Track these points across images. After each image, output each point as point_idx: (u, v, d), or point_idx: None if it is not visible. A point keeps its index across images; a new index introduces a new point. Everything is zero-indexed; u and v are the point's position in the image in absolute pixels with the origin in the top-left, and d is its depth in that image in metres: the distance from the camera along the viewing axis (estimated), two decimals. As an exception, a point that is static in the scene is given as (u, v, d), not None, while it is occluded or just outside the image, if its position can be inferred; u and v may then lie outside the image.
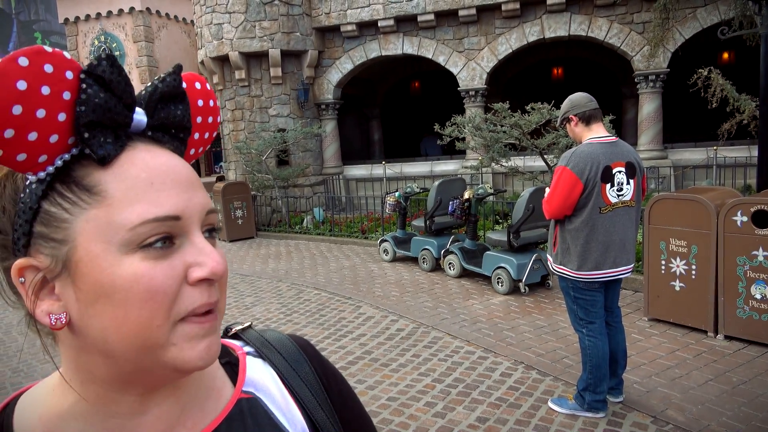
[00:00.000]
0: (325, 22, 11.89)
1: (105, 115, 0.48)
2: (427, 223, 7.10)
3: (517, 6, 10.60)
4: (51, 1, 23.34)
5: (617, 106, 13.29)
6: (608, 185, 3.09)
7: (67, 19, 17.82)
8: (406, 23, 11.56)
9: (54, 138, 0.47)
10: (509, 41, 11.09)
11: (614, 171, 3.10)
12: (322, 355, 0.72)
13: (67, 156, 0.48)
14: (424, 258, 7.19)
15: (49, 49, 0.47)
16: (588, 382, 3.29)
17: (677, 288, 4.60)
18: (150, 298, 0.47)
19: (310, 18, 11.92)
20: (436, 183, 7.22)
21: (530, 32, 10.91)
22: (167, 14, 17.89)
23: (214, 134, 0.63)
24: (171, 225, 0.49)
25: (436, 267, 7.13)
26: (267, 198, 11.58)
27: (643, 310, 4.95)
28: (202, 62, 12.22)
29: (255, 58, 11.70)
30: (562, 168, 3.11)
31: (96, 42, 17.49)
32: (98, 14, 17.33)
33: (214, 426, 0.58)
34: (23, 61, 0.45)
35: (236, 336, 0.69)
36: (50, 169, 0.48)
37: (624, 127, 13.86)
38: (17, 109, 0.44)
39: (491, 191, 6.62)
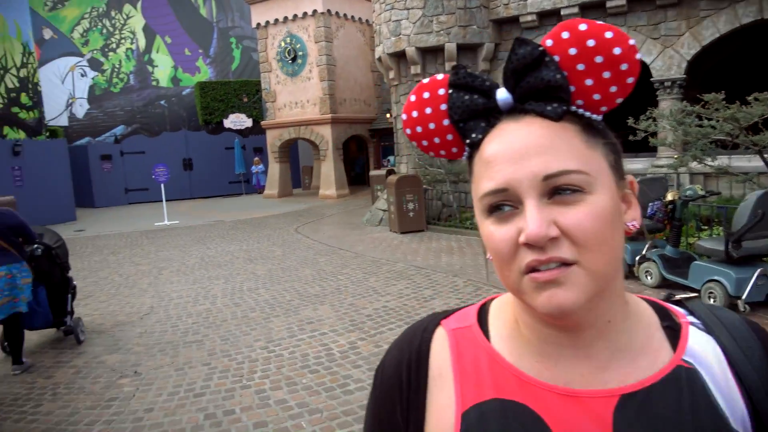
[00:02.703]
0: (503, 13, 11.55)
1: (468, 110, 0.62)
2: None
3: (730, -17, 9.29)
4: (245, 9, 25.92)
5: None
6: None
7: (258, 24, 19.62)
8: (592, 10, 10.76)
9: (449, 137, 0.65)
10: (716, 24, 9.78)
11: None
12: None
13: (466, 149, 0.64)
14: (613, 263, 6.59)
15: (426, 80, 0.66)
16: None
17: None
18: (496, 254, 0.59)
19: (487, 10, 11.66)
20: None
21: (744, 13, 9.50)
22: (345, 15, 18.85)
23: (623, 66, 0.58)
24: (504, 195, 0.57)
25: (629, 274, 6.51)
26: (438, 192, 11.61)
27: None
28: (379, 59, 12.62)
29: (431, 53, 11.77)
30: None
31: (282, 43, 19.02)
32: (285, 18, 18.81)
33: (648, 383, 0.61)
34: (412, 98, 0.67)
35: (680, 304, 0.69)
36: (464, 156, 0.66)
37: None
38: (419, 129, 0.66)
39: (702, 193, 5.84)
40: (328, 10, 18.14)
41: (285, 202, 18.63)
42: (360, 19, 19.53)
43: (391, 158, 19.98)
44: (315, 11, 18.06)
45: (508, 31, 11.93)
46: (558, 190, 0.56)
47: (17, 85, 17.34)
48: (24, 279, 4.68)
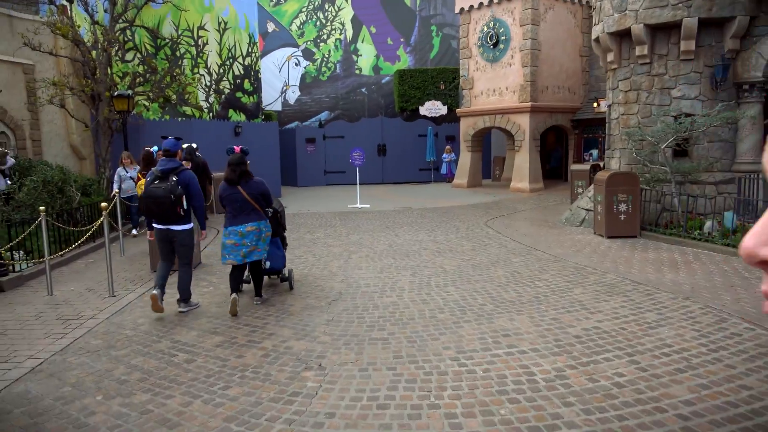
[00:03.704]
0: (765, -22, 9.32)
1: None
2: None
3: None
4: (448, -5, 25.65)
5: None
6: None
7: (462, 9, 19.06)
8: None
9: None
10: None
11: None
12: None
13: None
14: None
15: None
16: None
17: None
18: None
19: (743, -24, 9.53)
20: None
21: None
22: (556, -6, 17.37)
23: None
24: None
25: None
26: (658, 193, 9.91)
27: None
28: (596, 39, 11.18)
29: (662, 31, 10.02)
30: None
31: (485, 28, 18.24)
32: (490, 1, 17.97)
33: None
34: None
35: None
36: None
37: None
38: None
39: None
40: (537, -10, 16.87)
41: (474, 192, 17.98)
42: (572, -1, 17.87)
43: (594, 152, 18.07)
44: (523, -8, 16.92)
45: (770, 1, 9.62)
46: None
47: (242, 72, 19.23)
48: (267, 233, 5.96)
